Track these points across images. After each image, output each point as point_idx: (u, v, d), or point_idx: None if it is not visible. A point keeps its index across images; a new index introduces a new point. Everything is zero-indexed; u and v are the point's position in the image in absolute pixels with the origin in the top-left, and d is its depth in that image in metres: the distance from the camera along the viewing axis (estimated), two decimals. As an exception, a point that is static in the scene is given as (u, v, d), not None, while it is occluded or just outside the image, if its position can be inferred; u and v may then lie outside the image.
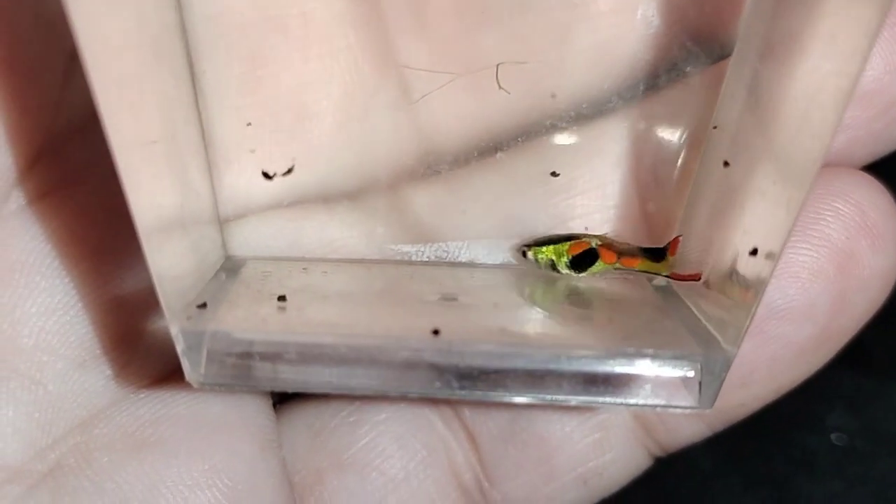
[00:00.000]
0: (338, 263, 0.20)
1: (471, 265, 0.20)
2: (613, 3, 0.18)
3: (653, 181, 0.20)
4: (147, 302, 0.19)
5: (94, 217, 0.18)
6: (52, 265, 0.18)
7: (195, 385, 0.16)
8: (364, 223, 0.20)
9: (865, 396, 0.31)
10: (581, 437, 0.21)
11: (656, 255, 0.19)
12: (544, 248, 0.19)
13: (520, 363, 0.17)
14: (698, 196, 0.19)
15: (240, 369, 0.16)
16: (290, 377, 0.16)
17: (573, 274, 0.20)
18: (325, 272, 0.19)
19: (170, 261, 0.16)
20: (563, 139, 0.19)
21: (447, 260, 0.20)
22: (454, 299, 0.18)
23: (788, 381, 0.21)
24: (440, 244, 0.20)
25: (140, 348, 0.19)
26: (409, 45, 0.18)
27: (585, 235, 0.20)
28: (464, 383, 0.17)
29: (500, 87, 0.18)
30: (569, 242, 0.19)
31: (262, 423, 0.20)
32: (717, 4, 0.18)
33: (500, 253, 0.20)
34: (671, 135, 0.19)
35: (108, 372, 0.19)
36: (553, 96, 0.18)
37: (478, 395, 0.17)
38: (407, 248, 0.20)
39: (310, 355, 0.16)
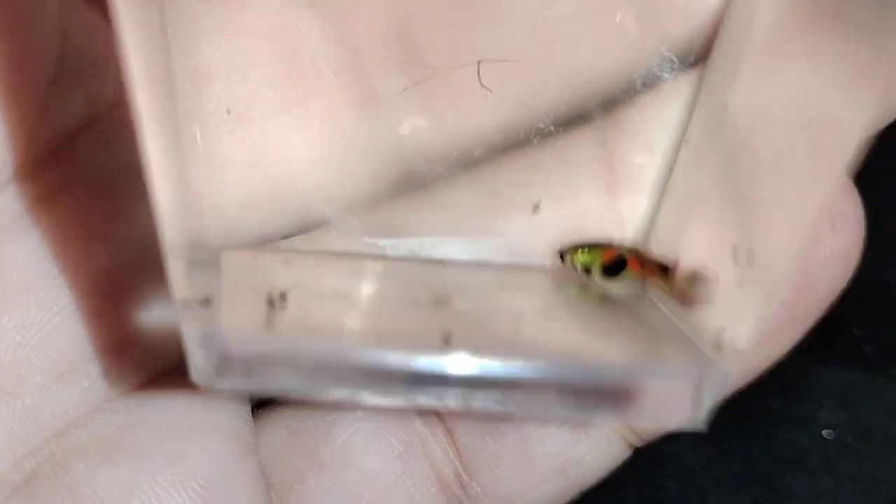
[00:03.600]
0: (318, 256, 0.19)
1: (452, 263, 0.20)
2: (592, 7, 0.18)
3: (629, 187, 0.20)
4: (123, 314, 0.19)
5: (71, 233, 0.18)
6: (26, 282, 0.18)
7: (203, 388, 0.16)
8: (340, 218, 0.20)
9: (856, 392, 0.31)
10: (558, 426, 0.21)
11: (665, 271, 0.20)
12: (580, 253, 0.20)
13: (535, 374, 0.16)
14: (672, 200, 0.20)
15: (253, 374, 0.16)
16: (304, 386, 0.16)
17: (605, 280, 0.20)
18: (309, 266, 0.19)
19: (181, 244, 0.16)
20: (541, 144, 0.19)
21: (423, 256, 0.20)
22: (446, 302, 0.18)
23: (756, 364, 0.21)
24: (415, 239, 0.20)
25: (117, 359, 0.19)
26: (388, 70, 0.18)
27: (615, 245, 0.20)
28: (476, 395, 0.16)
29: (481, 84, 0.18)
30: (602, 249, 0.20)
31: (238, 425, 0.20)
32: (690, 11, 0.18)
33: (476, 250, 0.20)
34: (646, 140, 0.20)
35: (85, 383, 0.19)
36: (532, 99, 0.19)
37: (489, 406, 0.17)
38: (382, 241, 0.20)
39: (324, 365, 0.16)
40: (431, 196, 0.20)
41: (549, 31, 0.18)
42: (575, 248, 0.20)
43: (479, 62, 0.18)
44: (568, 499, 0.22)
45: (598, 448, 0.22)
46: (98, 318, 0.19)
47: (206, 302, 0.16)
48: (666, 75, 0.19)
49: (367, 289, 0.19)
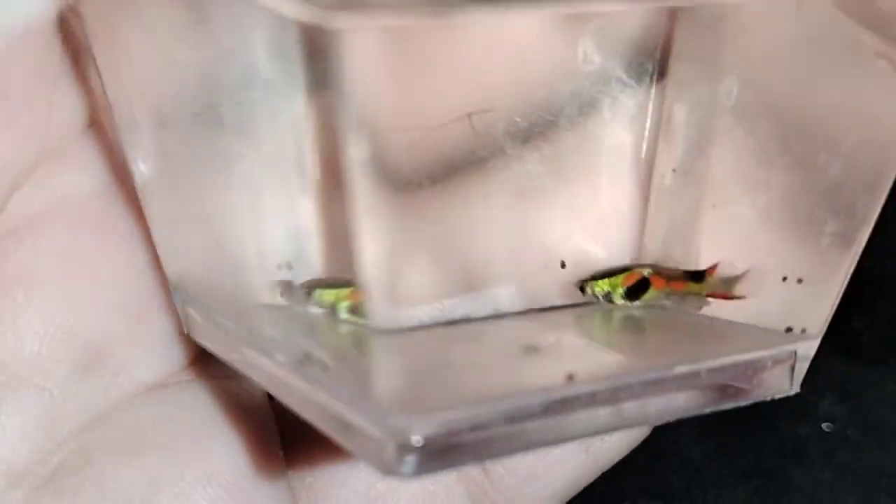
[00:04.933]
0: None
1: (479, 319, 0.20)
2: (556, 42, 0.18)
3: (611, 204, 0.20)
4: (146, 303, 0.19)
5: (94, 227, 0.19)
6: (50, 274, 0.18)
7: (396, 477, 0.15)
8: None
9: (856, 385, 0.31)
10: None
11: (696, 277, 0.20)
12: (600, 282, 0.20)
13: (674, 384, 0.17)
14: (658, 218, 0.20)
15: (448, 452, 0.15)
16: (495, 445, 0.15)
17: (628, 303, 0.20)
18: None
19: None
20: (528, 169, 0.19)
21: (446, 319, 0.19)
22: (537, 349, 0.18)
23: None
24: (433, 304, 0.19)
25: (142, 350, 0.19)
26: None
27: (637, 266, 0.20)
28: (629, 415, 0.17)
29: (477, 134, 0.18)
30: (623, 274, 0.20)
31: (261, 419, 0.20)
32: (643, 33, 0.19)
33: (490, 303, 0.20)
34: (622, 162, 0.20)
35: (111, 377, 0.19)
36: (509, 132, 0.19)
37: (627, 423, 0.17)
38: (399, 312, 0.18)
39: (510, 420, 0.15)
40: (438, 254, 0.19)
41: (520, 75, 0.18)
42: (594, 278, 0.20)
43: (469, 115, 0.18)
44: (591, 478, 0.22)
45: None
46: (123, 310, 0.19)
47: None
48: (629, 101, 0.19)
49: (455, 353, 0.19)
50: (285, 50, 0.13)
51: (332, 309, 0.18)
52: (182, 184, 0.17)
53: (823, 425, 0.31)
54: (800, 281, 0.18)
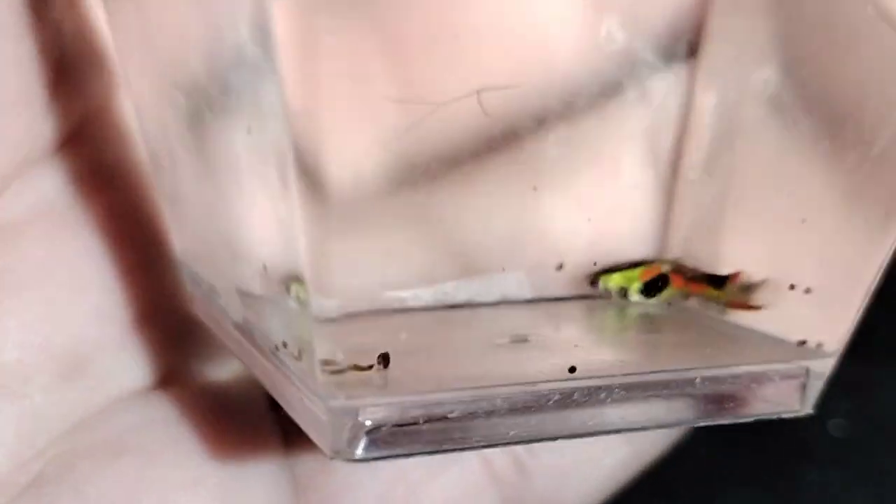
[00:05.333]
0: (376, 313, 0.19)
1: (484, 305, 0.19)
2: (580, 21, 0.17)
3: (631, 195, 0.19)
4: (128, 310, 0.19)
5: (72, 234, 0.18)
6: (29, 281, 0.18)
7: (342, 460, 0.15)
8: None
9: (864, 385, 0.31)
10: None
11: (718, 282, 0.19)
12: (614, 276, 0.19)
13: (662, 391, 0.16)
14: (682, 212, 0.19)
15: (404, 438, 0.15)
16: (454, 435, 0.15)
17: (644, 300, 0.19)
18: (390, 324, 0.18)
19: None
20: (542, 152, 0.19)
21: (450, 302, 0.19)
22: (526, 340, 0.18)
23: None
24: (437, 286, 0.19)
25: (124, 357, 0.19)
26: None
27: (656, 261, 0.19)
28: (609, 420, 0.16)
29: (486, 114, 0.17)
30: (640, 268, 0.19)
31: (254, 419, 0.20)
32: (675, 12, 0.18)
33: (498, 289, 0.19)
34: (644, 150, 0.19)
35: (92, 384, 0.18)
36: (531, 117, 0.18)
37: (624, 427, 0.16)
38: (404, 293, 0.19)
39: (471, 412, 0.15)
40: (444, 235, 0.19)
41: (538, 52, 0.18)
42: (608, 271, 0.19)
43: (478, 92, 0.17)
44: (631, 476, 0.22)
45: None
46: (105, 317, 0.19)
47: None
48: (656, 84, 0.18)
49: (444, 339, 0.18)
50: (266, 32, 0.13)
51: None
52: (178, 160, 0.17)
53: (831, 425, 0.30)
54: (807, 291, 0.17)
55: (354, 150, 0.17)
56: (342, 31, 0.15)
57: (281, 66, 0.12)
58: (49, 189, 0.18)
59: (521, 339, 0.18)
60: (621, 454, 0.21)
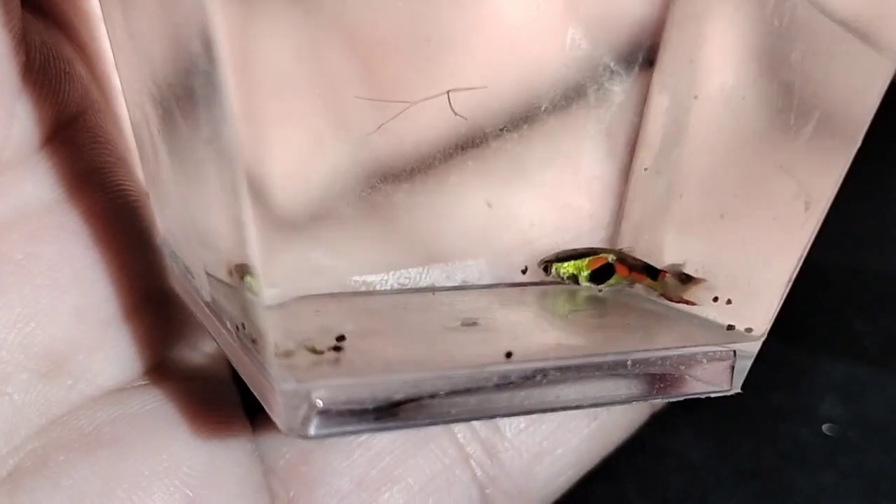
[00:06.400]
0: (339, 296, 0.20)
1: (443, 289, 0.21)
2: (546, 28, 0.18)
3: (588, 189, 0.21)
4: (106, 310, 0.19)
5: (51, 235, 0.19)
6: (9, 280, 0.18)
7: (295, 437, 0.16)
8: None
9: (857, 387, 0.31)
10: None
11: (652, 274, 0.20)
12: (566, 264, 0.20)
13: (595, 372, 0.17)
14: (634, 204, 0.21)
15: (353, 417, 0.16)
16: (400, 414, 0.16)
17: (592, 286, 0.21)
18: (342, 307, 0.19)
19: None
20: (507, 150, 0.20)
21: (413, 286, 0.20)
22: (475, 323, 0.19)
23: None
24: (401, 271, 0.20)
25: (102, 356, 0.19)
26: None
27: (603, 250, 0.21)
28: (545, 399, 0.17)
29: (455, 113, 0.18)
30: (589, 258, 0.20)
31: (225, 414, 0.20)
32: (637, 23, 0.19)
33: (459, 274, 0.21)
34: (602, 148, 0.20)
35: (70, 381, 0.19)
36: (498, 117, 0.19)
37: (559, 406, 0.17)
38: (371, 278, 0.20)
39: (415, 393, 0.16)
40: (409, 225, 0.20)
41: (507, 56, 0.19)
42: (559, 258, 0.20)
43: (448, 92, 0.18)
44: (598, 456, 0.22)
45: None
46: (83, 317, 0.19)
47: (294, 352, 0.16)
48: (616, 88, 0.19)
49: (399, 322, 0.19)
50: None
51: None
52: (158, 149, 0.18)
53: (824, 427, 0.30)
54: (729, 302, 0.19)
55: (307, 150, 0.18)
56: (293, 37, 0.15)
57: (223, 73, 0.12)
58: (28, 192, 0.19)
59: (471, 323, 0.19)
60: (584, 434, 0.22)
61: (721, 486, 0.30)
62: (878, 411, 0.30)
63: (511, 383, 0.17)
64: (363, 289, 0.19)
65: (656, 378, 0.18)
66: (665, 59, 0.19)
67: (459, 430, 0.21)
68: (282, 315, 0.16)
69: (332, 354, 0.16)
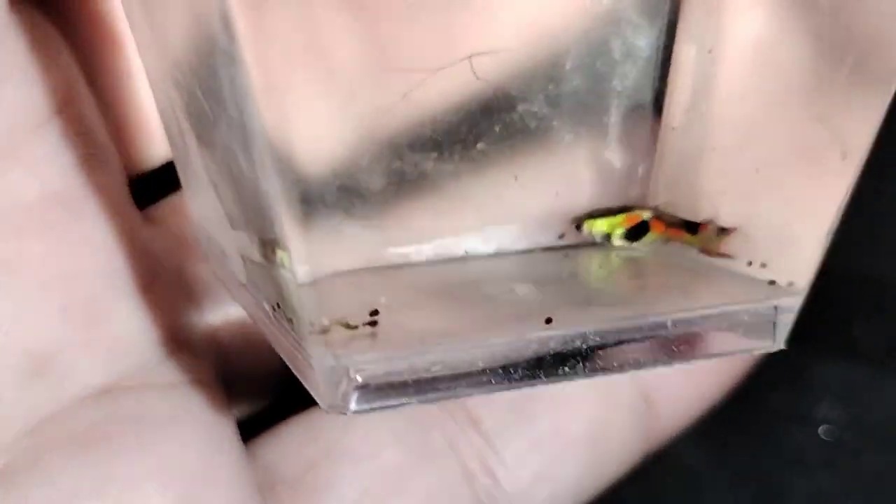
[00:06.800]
0: (380, 270, 0.19)
1: (479, 257, 0.20)
2: None
3: (621, 151, 0.20)
4: (95, 308, 0.19)
5: (37, 232, 0.19)
6: None
7: (339, 413, 0.16)
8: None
9: (854, 389, 0.31)
10: (587, 396, 0.22)
11: (691, 228, 0.20)
12: (598, 221, 0.20)
13: (635, 335, 0.17)
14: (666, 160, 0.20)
15: (392, 390, 0.16)
16: (439, 386, 0.16)
17: (626, 245, 0.20)
18: (379, 281, 0.19)
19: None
20: (533, 112, 0.19)
21: (450, 255, 0.20)
22: (512, 290, 0.18)
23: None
24: (436, 241, 0.20)
25: (91, 355, 0.19)
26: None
27: (636, 207, 0.20)
28: (586, 364, 0.17)
29: (476, 77, 0.18)
30: (623, 215, 0.20)
31: (215, 417, 0.20)
32: None
33: (495, 241, 0.20)
34: (628, 100, 0.20)
35: (60, 380, 0.19)
36: (520, 79, 0.19)
37: (600, 370, 0.17)
38: (405, 248, 0.19)
39: (453, 365, 0.16)
40: (441, 194, 0.19)
41: (527, 15, 0.18)
42: (591, 216, 0.20)
43: (470, 57, 0.18)
44: (600, 482, 0.22)
45: (624, 425, 0.22)
46: (71, 315, 0.19)
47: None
48: (641, 42, 0.19)
49: (433, 292, 0.19)
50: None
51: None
52: (185, 133, 0.18)
53: (821, 429, 0.30)
54: (763, 266, 0.18)
55: (331, 123, 0.18)
56: (312, 8, 0.15)
57: (241, 50, 0.12)
58: (14, 191, 0.18)
59: (508, 290, 0.18)
60: (586, 459, 0.22)
61: (718, 489, 0.30)
62: (875, 413, 0.30)
63: (551, 349, 0.16)
64: (398, 261, 0.19)
65: (698, 338, 0.17)
66: (690, 9, 0.19)
67: (463, 448, 0.21)
68: (316, 291, 0.16)
69: (367, 329, 0.16)
